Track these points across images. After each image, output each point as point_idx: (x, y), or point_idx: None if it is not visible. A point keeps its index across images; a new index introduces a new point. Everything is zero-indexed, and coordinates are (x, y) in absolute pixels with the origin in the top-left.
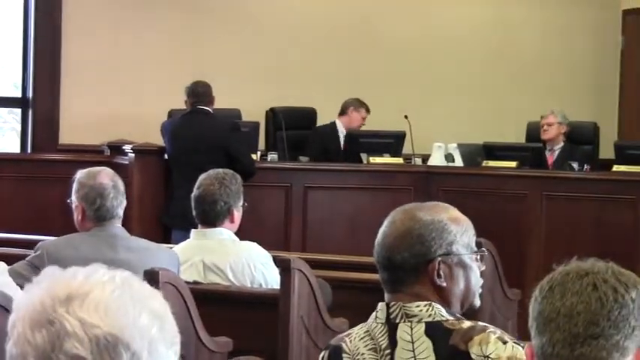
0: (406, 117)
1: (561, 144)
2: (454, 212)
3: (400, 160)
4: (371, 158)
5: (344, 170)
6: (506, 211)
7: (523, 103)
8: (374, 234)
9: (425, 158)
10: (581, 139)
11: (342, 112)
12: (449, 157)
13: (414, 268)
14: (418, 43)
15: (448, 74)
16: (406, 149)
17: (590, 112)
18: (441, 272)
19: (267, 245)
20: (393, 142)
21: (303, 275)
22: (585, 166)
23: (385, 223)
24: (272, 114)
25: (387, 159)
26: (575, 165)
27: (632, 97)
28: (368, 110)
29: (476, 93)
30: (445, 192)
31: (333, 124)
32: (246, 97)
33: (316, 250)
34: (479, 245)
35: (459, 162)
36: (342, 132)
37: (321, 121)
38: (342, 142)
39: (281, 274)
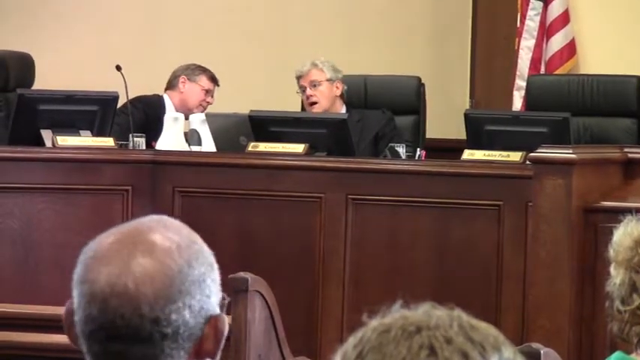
0: (119, 68)
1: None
2: (192, 232)
3: (109, 141)
4: (58, 138)
5: (7, 158)
6: (287, 226)
7: (314, 50)
8: (64, 266)
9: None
10: (395, 103)
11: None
12: (192, 137)
13: (191, 334)
14: None
15: (189, 1)
16: None
17: (411, 62)
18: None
19: None
20: (97, 111)
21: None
22: (418, 152)
23: (111, 262)
24: None
25: (84, 139)
26: (400, 150)
27: (492, 37)
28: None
29: (238, 34)
30: (185, 195)
31: None
32: None
33: None
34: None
35: (208, 144)
36: None
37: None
38: None
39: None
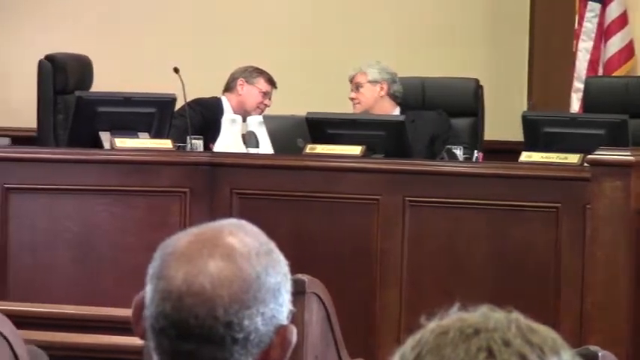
0: (176, 70)
1: (397, 114)
2: (269, 240)
3: (167, 144)
4: (116, 140)
5: (65, 160)
6: (344, 227)
7: (372, 53)
8: (122, 267)
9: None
10: (453, 105)
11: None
12: (250, 139)
13: (260, 341)
14: None
15: (245, 3)
16: None
17: (468, 63)
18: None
19: None
20: (155, 113)
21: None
22: (475, 154)
23: (190, 261)
24: (51, 65)
25: (143, 141)
26: (457, 152)
27: (550, 39)
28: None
29: (295, 36)
30: (242, 197)
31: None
32: None
33: (25, 296)
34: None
35: (265, 146)
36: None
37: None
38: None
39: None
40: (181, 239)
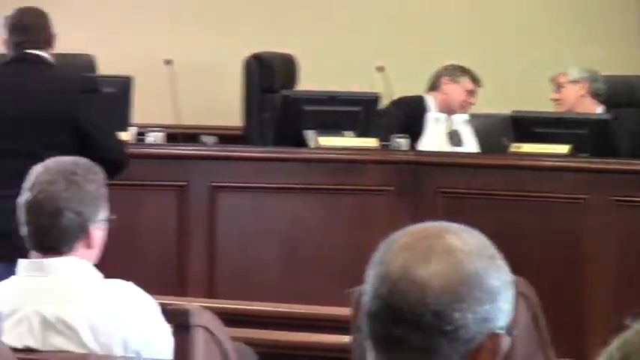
0: (381, 69)
1: (600, 112)
2: (497, 250)
3: (372, 142)
4: (321, 139)
5: (271, 159)
6: (551, 228)
7: (579, 52)
8: (327, 266)
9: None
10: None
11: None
12: (454, 137)
13: (468, 340)
14: None
15: (450, 2)
16: None
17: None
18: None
19: (151, 286)
20: (360, 112)
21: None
22: None
23: (411, 251)
24: (258, 64)
25: (348, 140)
26: None
27: None
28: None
29: (501, 34)
30: (446, 196)
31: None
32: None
33: (232, 294)
34: None
35: (470, 145)
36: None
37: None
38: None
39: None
40: (406, 232)
